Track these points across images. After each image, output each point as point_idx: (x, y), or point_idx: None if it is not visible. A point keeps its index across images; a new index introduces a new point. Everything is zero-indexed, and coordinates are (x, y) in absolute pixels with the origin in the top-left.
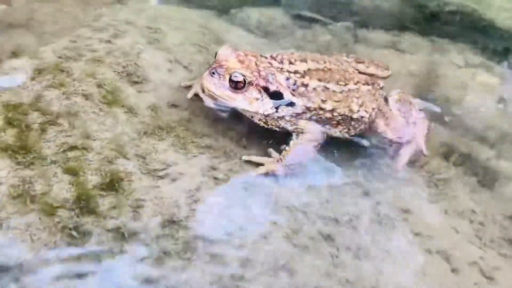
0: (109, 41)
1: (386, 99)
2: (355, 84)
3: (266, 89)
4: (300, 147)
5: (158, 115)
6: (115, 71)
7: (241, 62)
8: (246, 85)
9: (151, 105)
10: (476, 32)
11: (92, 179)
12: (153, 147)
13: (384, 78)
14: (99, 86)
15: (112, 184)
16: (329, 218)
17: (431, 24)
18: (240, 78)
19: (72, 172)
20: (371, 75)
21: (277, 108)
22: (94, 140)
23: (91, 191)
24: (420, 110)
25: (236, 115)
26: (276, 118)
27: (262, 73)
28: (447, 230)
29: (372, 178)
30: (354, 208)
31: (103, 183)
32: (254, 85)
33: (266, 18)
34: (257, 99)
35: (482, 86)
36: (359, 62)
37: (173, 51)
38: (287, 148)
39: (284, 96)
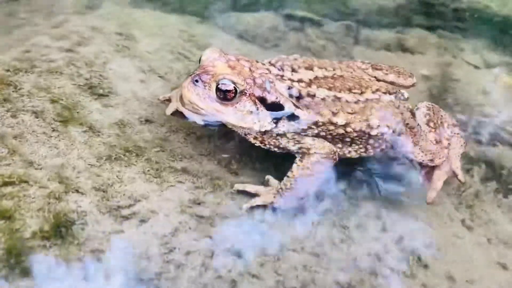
0: (70, 50)
1: (412, 113)
2: (374, 93)
3: (262, 100)
4: (305, 172)
5: (126, 134)
6: (75, 84)
7: (232, 67)
8: (237, 95)
9: (118, 121)
10: (492, 29)
11: (32, 223)
12: (117, 176)
13: (407, 87)
14: (54, 101)
15: (58, 230)
16: (346, 261)
17: (438, 20)
18: (230, 87)
19: (5, 214)
20: (391, 83)
21: (276, 123)
22: (40, 169)
23: (28, 242)
24: (455, 125)
25: (226, 132)
26: (275, 135)
27: (258, 80)
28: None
29: (393, 209)
30: (374, 247)
31: (45, 230)
32: (248, 95)
33: (256, 21)
34: (251, 112)
35: (504, 87)
36: (377, 69)
37: (147, 59)
38: (289, 174)
39: (286, 108)
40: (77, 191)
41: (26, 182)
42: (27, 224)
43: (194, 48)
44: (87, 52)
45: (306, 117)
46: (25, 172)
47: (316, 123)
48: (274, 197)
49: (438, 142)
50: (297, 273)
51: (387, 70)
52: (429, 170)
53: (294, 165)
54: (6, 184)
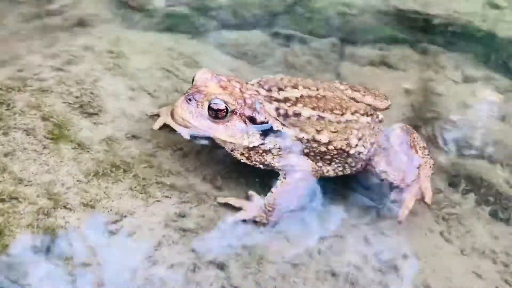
0: (60, 69)
1: (386, 134)
2: (353, 114)
3: (252, 120)
4: (288, 188)
5: (114, 150)
6: (65, 102)
7: (223, 88)
8: (228, 114)
9: (106, 138)
10: (474, 44)
11: (21, 238)
12: (105, 192)
13: (382, 110)
14: (45, 119)
15: (47, 246)
16: (325, 272)
17: (421, 36)
18: (222, 106)
19: None
20: (368, 105)
21: (264, 139)
22: (30, 185)
23: (18, 257)
24: (425, 147)
25: (211, 149)
26: (261, 152)
27: (248, 101)
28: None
29: (371, 221)
30: (353, 258)
31: (34, 245)
32: (238, 114)
33: (244, 38)
34: (241, 130)
35: (484, 102)
36: (355, 90)
37: (136, 77)
38: (273, 189)
39: (274, 127)
40: (65, 207)
41: (16, 198)
42: (17, 239)
43: (182, 66)
44: (78, 70)
45: (292, 133)
46: (14, 189)
47: (301, 140)
48: (257, 211)
49: (409, 163)
50: (276, 283)
51: (364, 92)
52: (399, 190)
53: (278, 182)
54: None
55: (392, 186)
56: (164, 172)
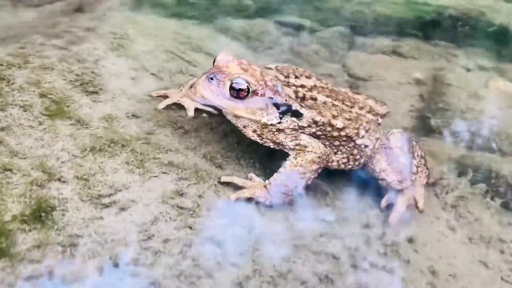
0: (63, 48)
1: (386, 137)
2: (360, 109)
3: (272, 100)
4: (297, 169)
5: (112, 127)
6: (66, 79)
7: (244, 70)
8: (249, 95)
9: (106, 115)
10: (486, 37)
11: (12, 208)
12: (99, 167)
13: (382, 115)
14: (43, 96)
15: (39, 215)
16: (326, 255)
17: (433, 29)
18: (244, 86)
19: None
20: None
21: (281, 118)
22: (24, 158)
23: (8, 225)
24: (422, 156)
25: (213, 127)
26: (274, 130)
27: (269, 83)
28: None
29: (375, 205)
30: (356, 241)
31: (25, 214)
32: (259, 95)
33: (251, 26)
34: (262, 109)
35: (496, 93)
36: (357, 94)
37: (140, 59)
38: (281, 169)
39: (293, 107)
40: (59, 179)
41: (10, 170)
42: (8, 208)
43: (188, 50)
44: (80, 49)
45: (310, 115)
46: (9, 161)
47: (316, 122)
48: (261, 190)
49: (408, 166)
50: (274, 263)
51: (366, 96)
52: (393, 193)
53: (287, 162)
54: None
55: (386, 188)
56: (161, 149)
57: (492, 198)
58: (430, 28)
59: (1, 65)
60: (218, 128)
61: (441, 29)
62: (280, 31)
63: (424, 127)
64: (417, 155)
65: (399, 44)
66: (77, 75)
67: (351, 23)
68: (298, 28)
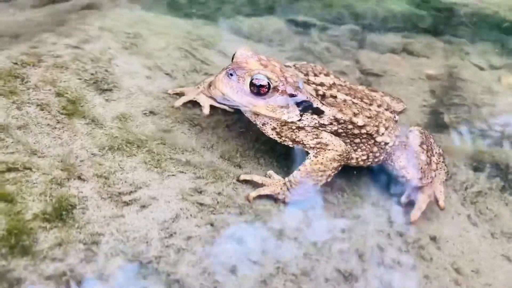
0: (76, 47)
1: (405, 134)
2: (379, 107)
3: (293, 97)
4: (318, 167)
5: (128, 126)
6: (80, 79)
7: (264, 66)
8: (270, 91)
9: (120, 114)
10: (500, 34)
11: (33, 206)
12: (119, 165)
13: (398, 112)
14: (59, 95)
15: (59, 213)
16: (348, 252)
17: (446, 26)
18: (264, 82)
19: (7, 198)
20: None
21: (301, 115)
22: (43, 157)
23: (29, 223)
24: (441, 154)
25: (229, 124)
26: (294, 128)
27: (290, 80)
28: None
29: (395, 202)
30: (378, 239)
31: (46, 212)
32: (280, 91)
33: (260, 24)
34: (282, 107)
35: (508, 88)
36: (373, 91)
37: (153, 57)
38: (301, 167)
39: (314, 105)
40: (79, 178)
41: (29, 169)
42: (29, 207)
43: (201, 47)
44: (93, 48)
45: (331, 113)
46: (28, 159)
47: (337, 120)
48: (281, 188)
49: (428, 163)
50: (297, 261)
51: (383, 93)
52: (413, 190)
53: (308, 160)
54: (9, 170)
55: (406, 185)
56: (178, 148)
57: (510, 194)
58: (442, 24)
59: (16, 63)
60: (234, 126)
61: (454, 26)
62: (291, 29)
63: (437, 123)
64: (436, 153)
65: (411, 41)
66: (91, 74)
67: (362, 21)
68: (309, 26)
